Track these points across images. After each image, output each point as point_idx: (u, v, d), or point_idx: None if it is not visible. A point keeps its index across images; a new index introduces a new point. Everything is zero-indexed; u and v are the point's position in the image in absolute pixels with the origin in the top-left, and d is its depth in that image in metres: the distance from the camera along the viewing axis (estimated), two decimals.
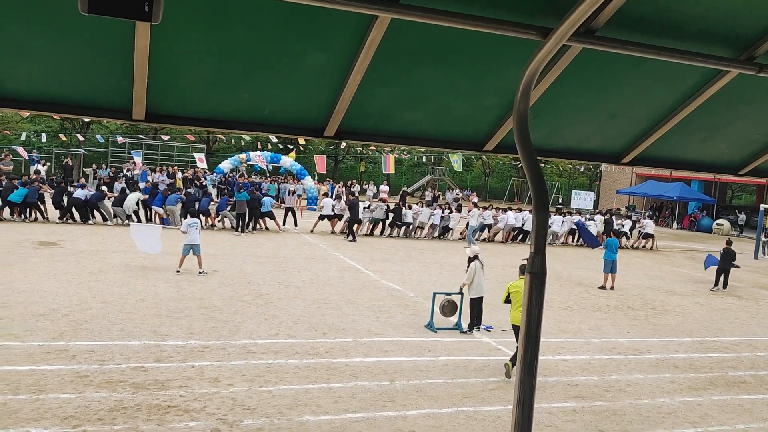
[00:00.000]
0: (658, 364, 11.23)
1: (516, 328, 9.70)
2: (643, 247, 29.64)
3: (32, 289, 12.69)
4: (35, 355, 9.11)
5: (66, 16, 3.13)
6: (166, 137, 42.95)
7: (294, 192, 28.51)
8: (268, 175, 40.73)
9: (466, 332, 12.02)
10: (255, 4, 3.23)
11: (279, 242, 22.11)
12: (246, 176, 35.57)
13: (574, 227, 28.42)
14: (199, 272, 15.27)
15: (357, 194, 34.87)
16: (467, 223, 25.94)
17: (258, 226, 24.33)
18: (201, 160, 37.21)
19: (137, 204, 23.46)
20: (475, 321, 12.21)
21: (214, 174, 34.74)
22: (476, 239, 26.12)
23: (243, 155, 36.68)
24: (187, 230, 15.40)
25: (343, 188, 37.07)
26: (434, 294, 12.22)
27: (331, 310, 12.98)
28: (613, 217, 30.52)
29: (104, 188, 25.18)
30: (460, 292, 12.25)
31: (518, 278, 10.31)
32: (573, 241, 28.91)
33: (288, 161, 36.81)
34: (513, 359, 9.44)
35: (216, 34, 3.50)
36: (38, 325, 10.47)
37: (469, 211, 27.13)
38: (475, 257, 12.27)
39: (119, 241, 19.39)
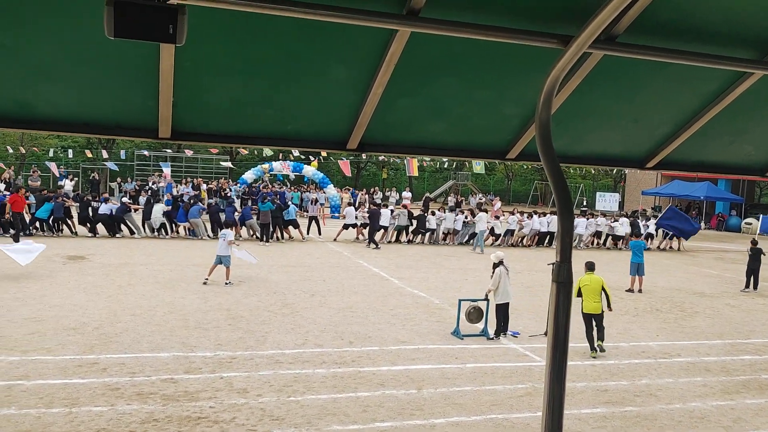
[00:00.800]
0: (689, 368, 11.08)
1: (587, 316, 11.38)
2: (670, 248, 29.25)
3: (63, 303, 12.91)
4: (67, 369, 9.26)
5: (93, 41, 3.21)
6: (189, 152, 43.46)
7: (317, 201, 28.58)
8: (290, 184, 40.99)
9: (492, 338, 11.97)
10: (276, 22, 3.28)
11: (303, 251, 22.22)
12: (270, 186, 35.83)
13: (600, 230, 28.16)
14: (226, 283, 15.41)
15: (381, 202, 34.90)
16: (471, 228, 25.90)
17: (283, 235, 24.47)
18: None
19: (162, 215, 23.78)
20: (502, 327, 12.16)
21: (238, 185, 35.03)
22: (499, 244, 25.99)
23: (266, 165, 36.95)
24: (224, 240, 15.50)
25: (366, 195, 37.16)
26: (460, 301, 12.19)
27: (356, 318, 13.01)
28: (639, 219, 30.10)
29: (126, 200, 25.51)
30: (486, 299, 12.21)
31: (585, 273, 11.69)
32: (599, 244, 28.61)
33: (310, 170, 37.01)
34: (598, 337, 11.37)
35: (238, 53, 3.56)
36: (69, 338, 10.64)
37: (463, 215, 26.96)
38: (500, 263, 12.23)
39: (146, 253, 19.65)
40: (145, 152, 42.22)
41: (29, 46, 3.28)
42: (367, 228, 24.81)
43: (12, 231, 20.88)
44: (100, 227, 23.09)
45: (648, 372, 10.71)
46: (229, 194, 31.55)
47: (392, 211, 26.24)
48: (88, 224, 23.07)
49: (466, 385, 9.51)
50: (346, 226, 25.58)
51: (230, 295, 14.44)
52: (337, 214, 33.68)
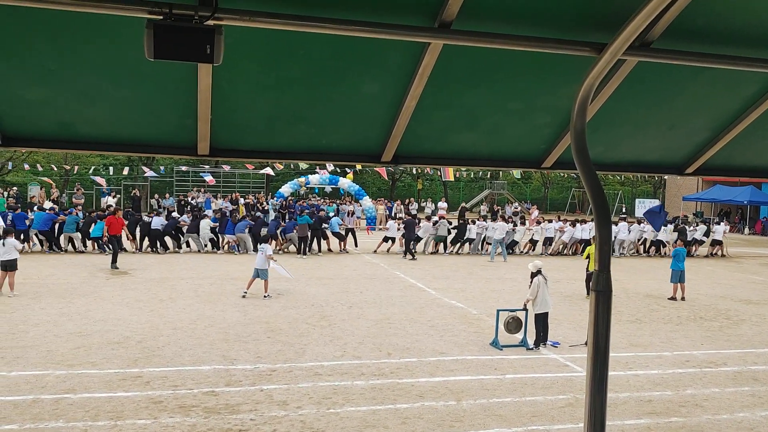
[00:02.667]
0: (735, 377, 10.80)
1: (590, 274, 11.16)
2: (714, 254, 28.54)
3: (107, 318, 13.18)
4: (112, 382, 9.45)
5: (133, 63, 3.31)
6: (227, 167, 44.15)
7: (353, 213, 28.65)
8: (326, 197, 41.27)
9: (532, 349, 11.84)
10: (310, 38, 3.34)
11: (340, 263, 22.31)
12: (307, 199, 36.13)
13: (646, 236, 27.57)
14: (264, 296, 15.55)
15: (416, 212, 34.89)
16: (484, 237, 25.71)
17: (320, 248, 24.59)
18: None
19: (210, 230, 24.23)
20: (542, 337, 12.02)
21: (275, 198, 35.41)
22: (541, 253, 25.61)
23: (302, 179, 37.28)
24: (262, 253, 15.67)
25: (402, 206, 37.21)
26: (498, 311, 12.10)
27: (394, 329, 13.00)
28: (686, 226, 29.27)
29: (176, 215, 26.05)
30: (525, 308, 12.10)
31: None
32: (643, 251, 27.98)
33: (346, 182, 37.21)
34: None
35: (273, 70, 3.63)
36: (114, 352, 10.86)
37: (471, 223, 26.71)
38: (538, 272, 12.11)
39: (187, 268, 19.96)
40: (183, 167, 43.01)
41: (73, 70, 3.40)
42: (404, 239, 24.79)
43: (108, 249, 20.85)
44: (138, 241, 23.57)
45: (693, 382, 10.47)
46: (266, 207, 31.92)
47: (435, 222, 26.08)
48: (138, 240, 23.53)
49: (506, 397, 9.42)
50: (386, 239, 25.62)
51: (269, 308, 14.57)
52: (373, 226, 33.76)
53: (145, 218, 24.22)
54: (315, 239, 24.33)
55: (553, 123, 4.35)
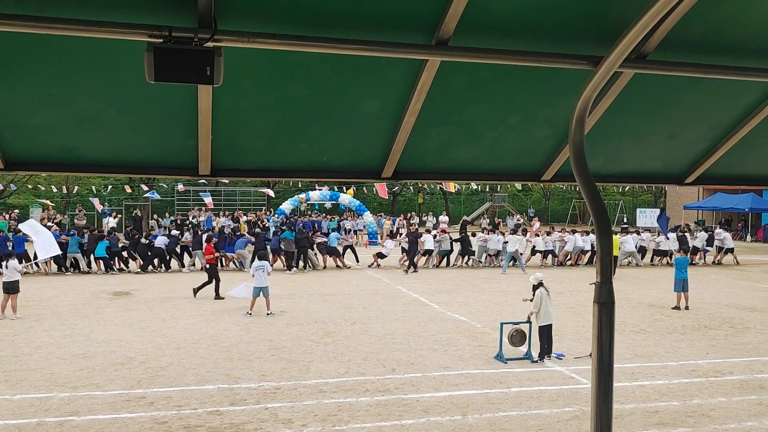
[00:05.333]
0: (742, 386, 10.74)
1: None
2: (719, 262, 28.46)
3: (110, 339, 13.16)
4: (116, 404, 9.41)
5: (134, 86, 3.34)
6: (226, 180, 44.21)
7: (350, 230, 28.64)
8: (326, 212, 41.31)
9: (537, 361, 11.80)
10: (309, 58, 3.37)
11: (342, 279, 22.29)
12: (306, 215, 36.15)
13: (643, 245, 27.59)
14: (267, 313, 15.53)
15: (417, 227, 34.92)
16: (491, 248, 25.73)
17: (306, 265, 24.58)
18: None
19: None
20: (546, 349, 11.98)
21: (276, 215, 35.43)
22: (541, 265, 25.63)
23: (302, 195, 37.33)
24: (255, 273, 15.72)
25: (404, 221, 37.25)
26: (502, 324, 12.06)
27: (398, 345, 12.97)
28: (686, 234, 29.24)
29: (175, 232, 26.08)
30: (528, 321, 12.06)
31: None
32: (650, 261, 27.99)
33: (347, 198, 37.25)
34: None
35: (273, 90, 3.66)
36: (117, 373, 10.83)
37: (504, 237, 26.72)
38: (540, 284, 12.09)
39: (188, 287, 19.92)
40: (180, 186, 42.99)
41: (75, 94, 3.43)
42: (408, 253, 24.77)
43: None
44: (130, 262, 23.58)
45: (699, 391, 10.42)
46: (267, 224, 31.93)
47: (435, 235, 26.12)
48: (141, 259, 23.53)
49: (512, 410, 9.38)
50: (380, 255, 25.71)
51: (272, 326, 14.54)
52: (375, 241, 33.76)
53: (144, 240, 24.27)
54: (301, 255, 24.35)
55: (553, 136, 4.38)
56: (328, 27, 3.11)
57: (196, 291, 18.20)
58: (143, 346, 12.66)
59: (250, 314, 15.52)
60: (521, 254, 25.40)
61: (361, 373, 11.04)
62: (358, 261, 26.08)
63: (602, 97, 3.97)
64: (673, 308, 17.21)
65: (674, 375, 11.27)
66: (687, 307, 17.16)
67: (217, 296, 17.84)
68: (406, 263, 24.54)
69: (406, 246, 24.89)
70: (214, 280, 18.12)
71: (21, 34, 3.02)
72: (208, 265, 18.62)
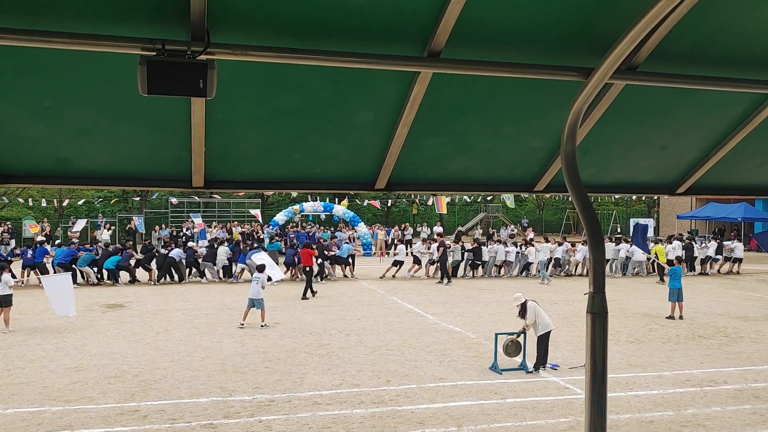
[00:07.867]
0: (736, 395, 10.76)
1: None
2: (729, 272, 28.52)
3: (103, 352, 13.08)
4: (109, 417, 9.35)
5: (128, 99, 3.35)
6: (218, 197, 44.17)
7: (337, 244, 28.70)
8: (320, 224, 41.25)
9: (532, 372, 11.79)
10: (302, 70, 3.39)
11: (337, 290, 22.25)
12: (300, 226, 36.09)
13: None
14: (261, 326, 15.48)
15: (411, 237, 34.94)
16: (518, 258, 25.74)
17: (295, 275, 24.65)
18: (257, 215, 38.10)
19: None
20: (541, 360, 11.97)
21: (270, 227, 35.37)
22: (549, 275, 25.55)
23: (297, 206, 37.29)
24: (257, 283, 15.69)
25: (399, 232, 37.31)
26: (496, 334, 12.06)
27: (393, 356, 12.94)
28: (694, 242, 29.20)
29: (192, 244, 26.47)
30: (523, 332, 12.05)
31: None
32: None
33: (341, 209, 37.23)
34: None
35: (267, 102, 3.67)
36: (110, 386, 10.76)
37: (516, 247, 26.73)
38: (524, 300, 12.12)
39: (182, 299, 19.88)
40: (173, 200, 42.89)
41: (68, 107, 3.44)
42: (438, 264, 24.68)
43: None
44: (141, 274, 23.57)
45: (694, 401, 10.42)
46: (261, 236, 31.88)
47: (429, 246, 26.14)
48: (153, 270, 23.63)
49: (507, 421, 9.36)
50: (396, 263, 25.68)
51: (266, 338, 14.49)
52: (369, 252, 33.72)
53: (162, 250, 24.69)
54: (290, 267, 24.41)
55: (545, 146, 4.40)
56: (320, 39, 3.13)
57: (304, 295, 20.04)
58: (137, 358, 12.59)
59: (242, 326, 15.47)
60: (531, 263, 25.45)
61: (355, 384, 11.01)
62: (353, 273, 26.07)
63: (594, 108, 4.00)
64: (667, 318, 17.24)
65: (669, 385, 11.27)
66: (681, 317, 17.19)
67: (304, 297, 19.89)
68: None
69: (435, 257, 24.74)
70: (306, 282, 20.60)
71: (14, 48, 3.03)
72: (307, 268, 20.90)
